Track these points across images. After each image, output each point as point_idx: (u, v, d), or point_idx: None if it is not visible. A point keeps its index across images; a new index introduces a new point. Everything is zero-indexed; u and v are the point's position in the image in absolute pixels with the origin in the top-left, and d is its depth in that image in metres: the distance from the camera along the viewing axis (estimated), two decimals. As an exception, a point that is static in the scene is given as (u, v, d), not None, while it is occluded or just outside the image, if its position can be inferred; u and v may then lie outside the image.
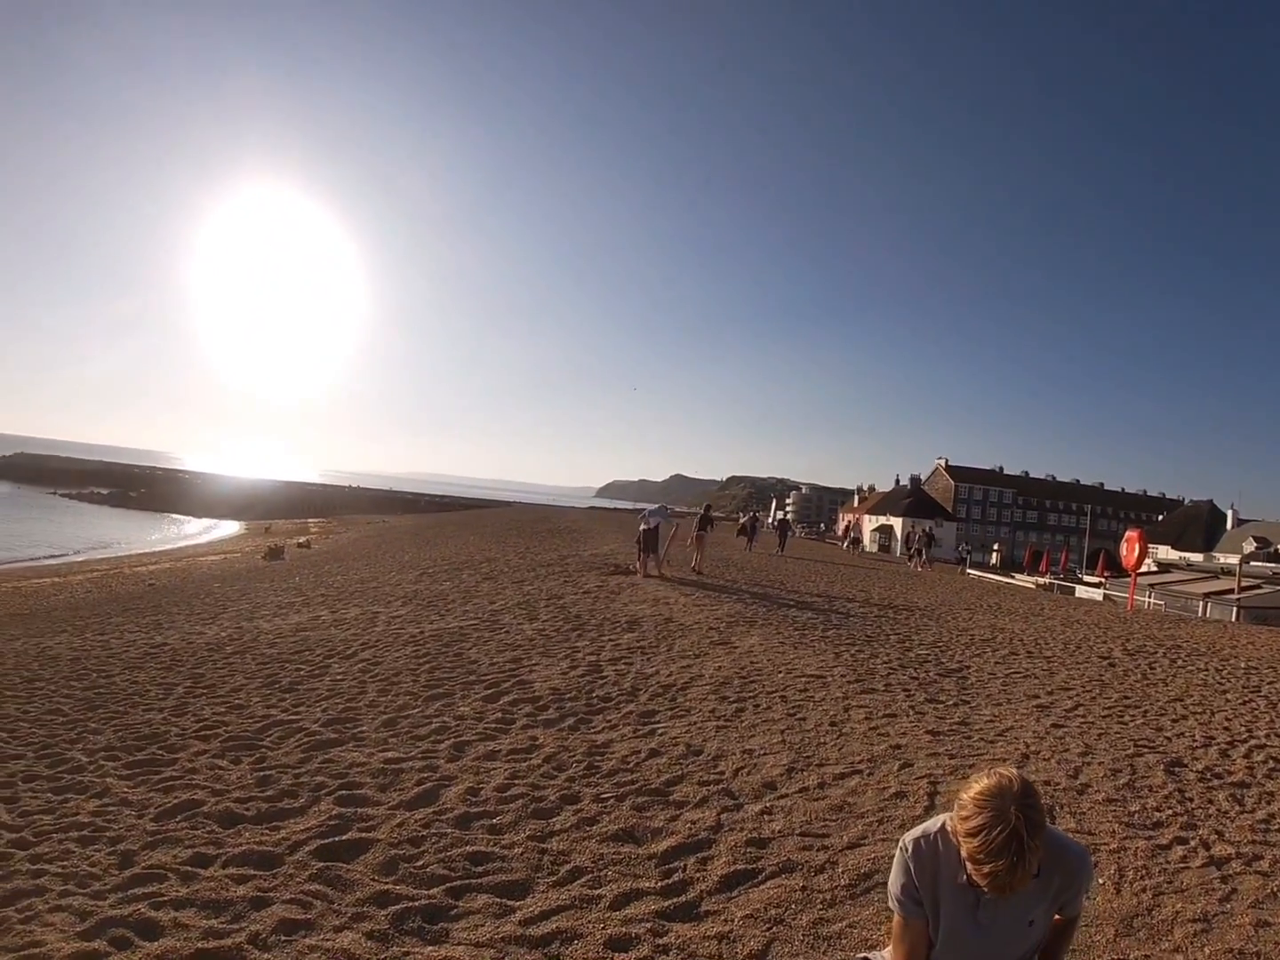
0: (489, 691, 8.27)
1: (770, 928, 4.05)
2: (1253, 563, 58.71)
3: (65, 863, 4.75)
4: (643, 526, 19.45)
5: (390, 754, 6.41)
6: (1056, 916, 2.85)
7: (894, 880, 2.80)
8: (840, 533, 64.99)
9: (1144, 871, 4.96)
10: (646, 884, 4.45)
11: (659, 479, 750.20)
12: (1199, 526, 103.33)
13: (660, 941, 3.90)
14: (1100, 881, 4.75)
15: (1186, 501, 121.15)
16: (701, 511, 23.48)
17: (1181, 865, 5.11)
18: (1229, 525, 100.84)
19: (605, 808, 5.44)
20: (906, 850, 2.76)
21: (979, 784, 2.52)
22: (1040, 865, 2.57)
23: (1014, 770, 2.56)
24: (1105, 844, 5.32)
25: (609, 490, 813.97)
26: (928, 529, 44.76)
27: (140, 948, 3.87)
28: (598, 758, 6.43)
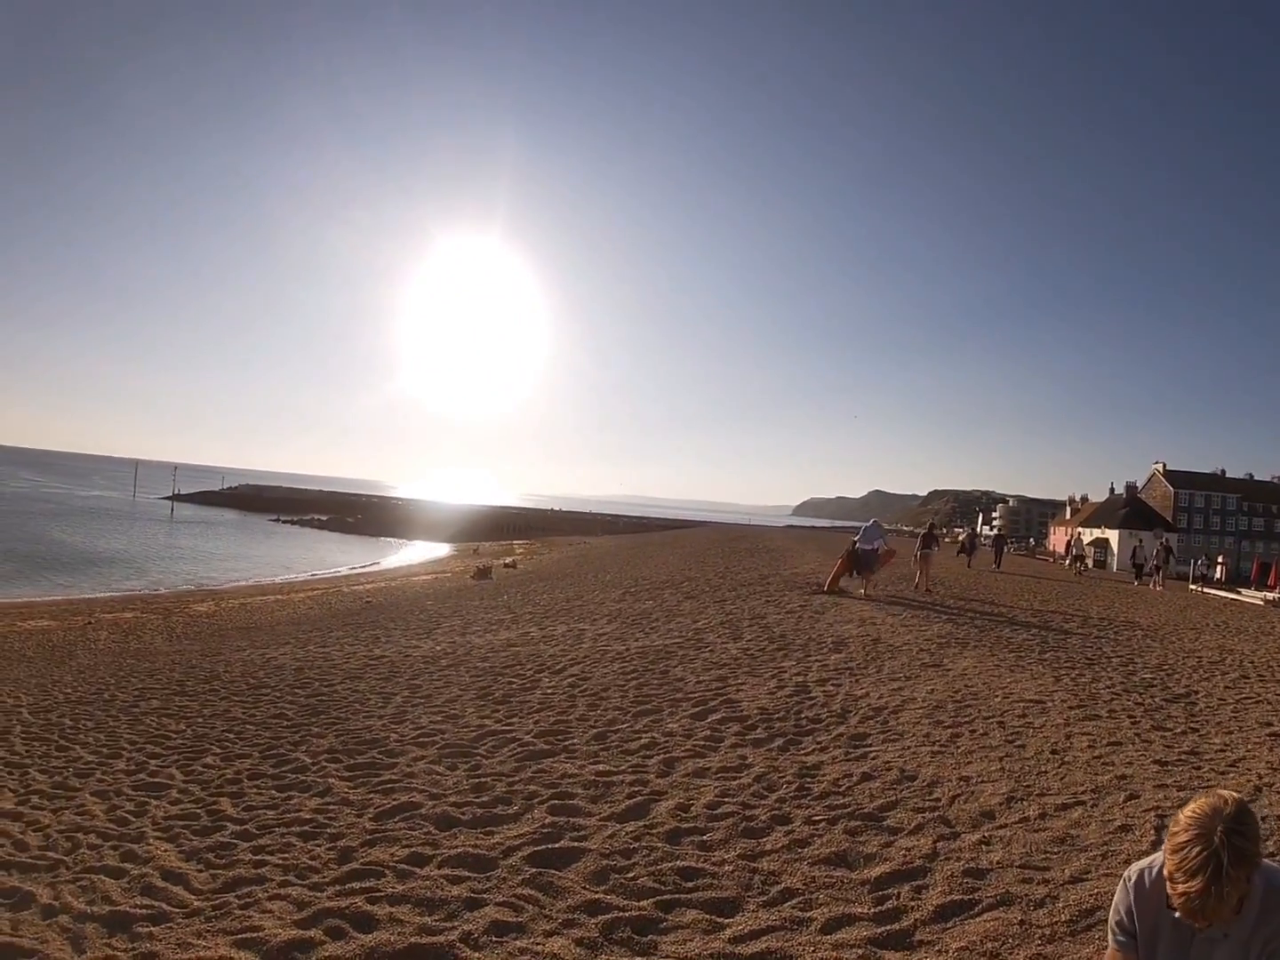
0: (696, 709, 8.28)
1: (987, 960, 3.88)
2: None
3: (286, 855, 5.03)
4: (858, 546, 18.98)
5: (601, 767, 6.50)
6: None
7: (1115, 908, 2.72)
8: (1062, 549, 61.39)
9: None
10: (859, 909, 4.33)
11: (857, 495, 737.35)
12: None
13: None
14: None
15: None
16: (925, 530, 22.98)
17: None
18: None
19: (817, 830, 5.34)
20: (1129, 881, 2.67)
21: (1195, 803, 2.42)
22: (1253, 905, 2.43)
23: (1235, 795, 2.43)
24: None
25: (805, 508, 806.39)
26: (1165, 541, 42.13)
27: (355, 939, 4.04)
28: (808, 779, 6.33)
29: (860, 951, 3.92)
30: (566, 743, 7.17)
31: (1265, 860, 2.51)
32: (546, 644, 11.93)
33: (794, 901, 4.41)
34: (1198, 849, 2.29)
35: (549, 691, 9.00)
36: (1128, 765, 6.95)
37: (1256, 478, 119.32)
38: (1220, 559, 45.06)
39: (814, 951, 3.91)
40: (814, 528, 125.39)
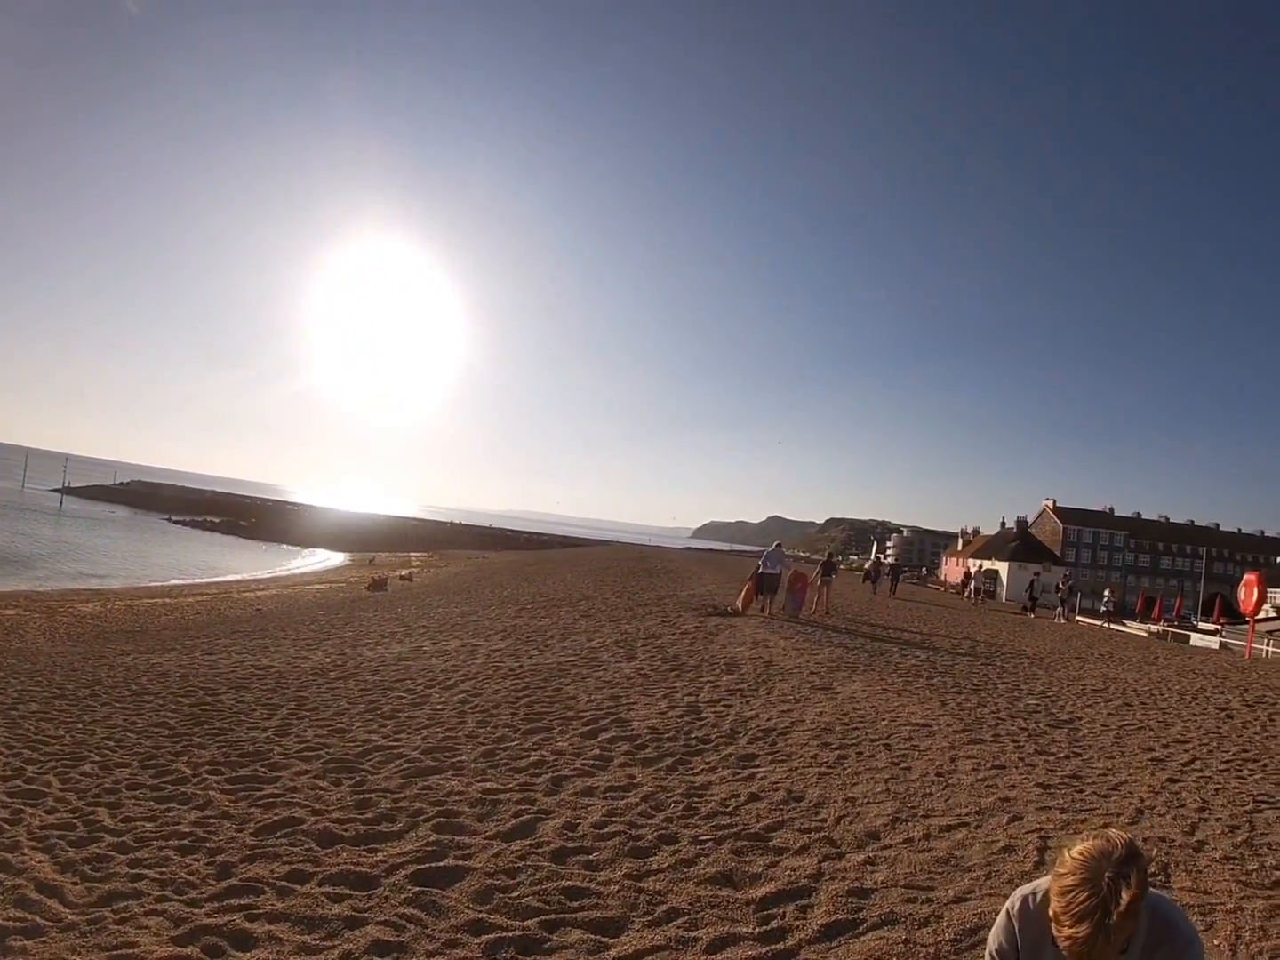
0: (587, 728, 8.25)
1: (871, 980, 3.89)
2: None
3: (164, 869, 4.86)
4: (763, 569, 20.14)
5: (488, 784, 6.42)
6: None
7: (993, 937, 2.69)
8: (955, 578, 62.56)
9: (1261, 933, 4.66)
10: (744, 929, 4.33)
11: (756, 520, 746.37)
12: None
13: None
14: (1215, 943, 4.48)
15: None
16: (825, 558, 24.80)
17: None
18: None
19: (704, 849, 5.34)
20: (1013, 909, 2.65)
21: (1084, 843, 2.37)
22: (1140, 941, 2.42)
23: (1126, 837, 2.39)
24: (1221, 904, 5.02)
25: (705, 531, 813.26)
26: (1067, 575, 43.71)
27: (232, 957, 3.94)
28: (696, 799, 6.32)
29: None
30: (454, 759, 7.07)
31: (1152, 891, 2.52)
32: (439, 659, 11.79)
33: (679, 921, 4.39)
34: (1084, 894, 2.26)
35: (439, 707, 8.88)
36: (1011, 788, 7.10)
37: (1144, 516, 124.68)
38: (1108, 592, 46.67)
39: None
40: (713, 550, 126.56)
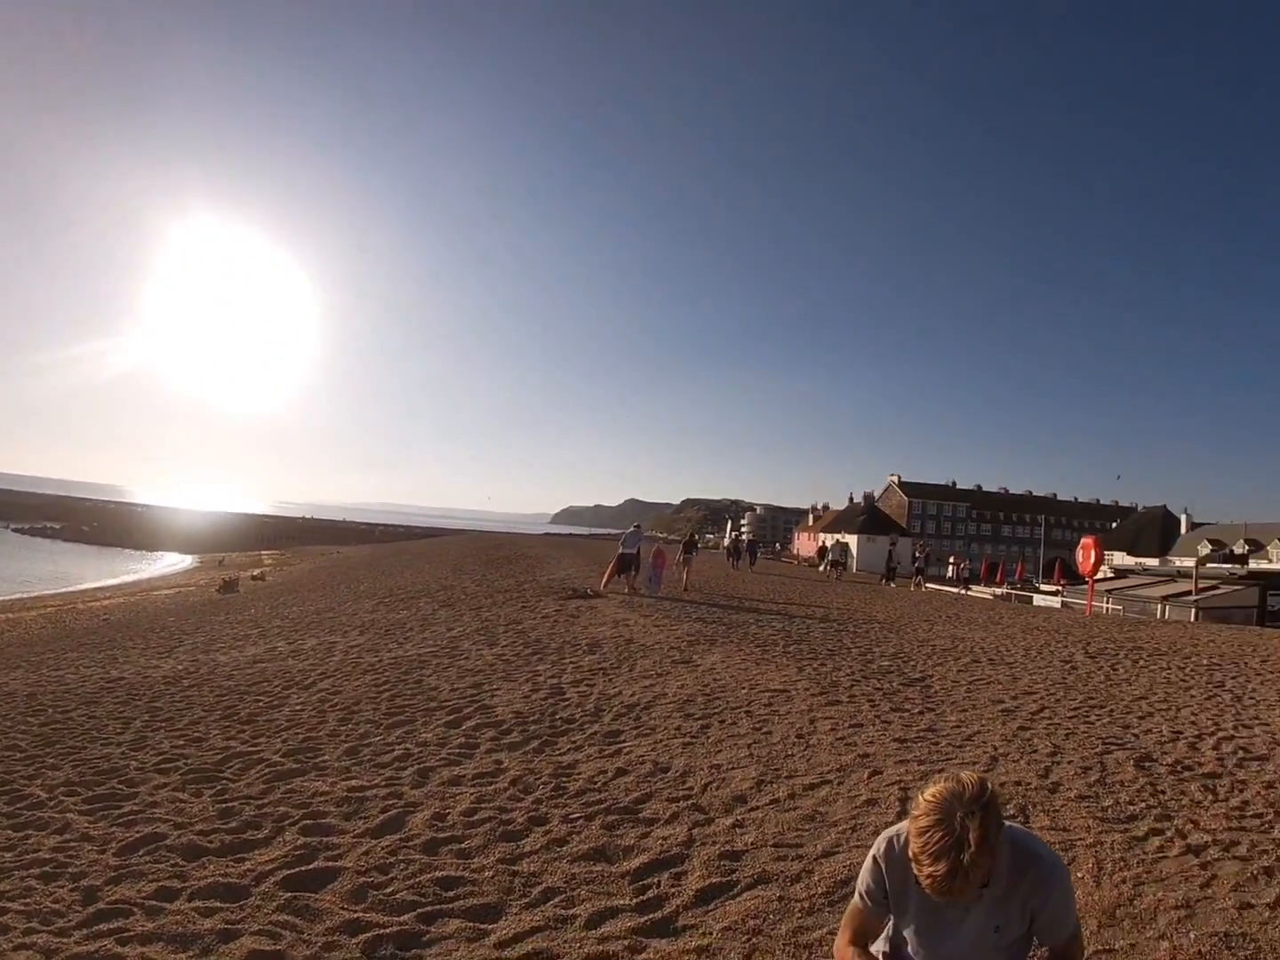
0: (451, 717, 8.19)
1: (750, 939, 4.01)
2: (1209, 565, 60.17)
3: (28, 900, 4.63)
4: (622, 550, 21.03)
5: (354, 782, 6.31)
6: (1046, 948, 2.83)
7: (861, 879, 2.82)
8: (807, 552, 64.12)
9: (1122, 863, 5.00)
10: (621, 901, 4.40)
11: (614, 503, 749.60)
12: (1154, 532, 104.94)
13: (639, 958, 3.85)
14: (1079, 875, 4.78)
15: (1140, 508, 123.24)
16: (686, 538, 26.23)
17: (1159, 855, 5.16)
18: (1183, 530, 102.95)
19: (575, 828, 5.39)
20: (878, 852, 2.76)
21: (936, 785, 2.50)
22: (1003, 874, 2.58)
23: (977, 777, 2.53)
24: (1081, 839, 5.36)
25: (564, 516, 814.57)
26: (923, 545, 45.39)
27: (107, 984, 3.78)
28: (564, 779, 6.37)
29: (626, 942, 3.98)
30: (317, 760, 6.92)
31: (1009, 824, 2.67)
32: (295, 659, 11.51)
33: (556, 900, 4.42)
34: (940, 834, 2.38)
35: (298, 708, 8.67)
36: (869, 744, 7.39)
37: (985, 489, 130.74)
38: (953, 560, 48.79)
39: (580, 948, 3.93)
40: (572, 535, 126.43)
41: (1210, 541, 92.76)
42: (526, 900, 4.43)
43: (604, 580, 21.29)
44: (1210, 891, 4.66)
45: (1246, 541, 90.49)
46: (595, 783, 6.27)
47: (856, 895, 2.84)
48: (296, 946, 4.00)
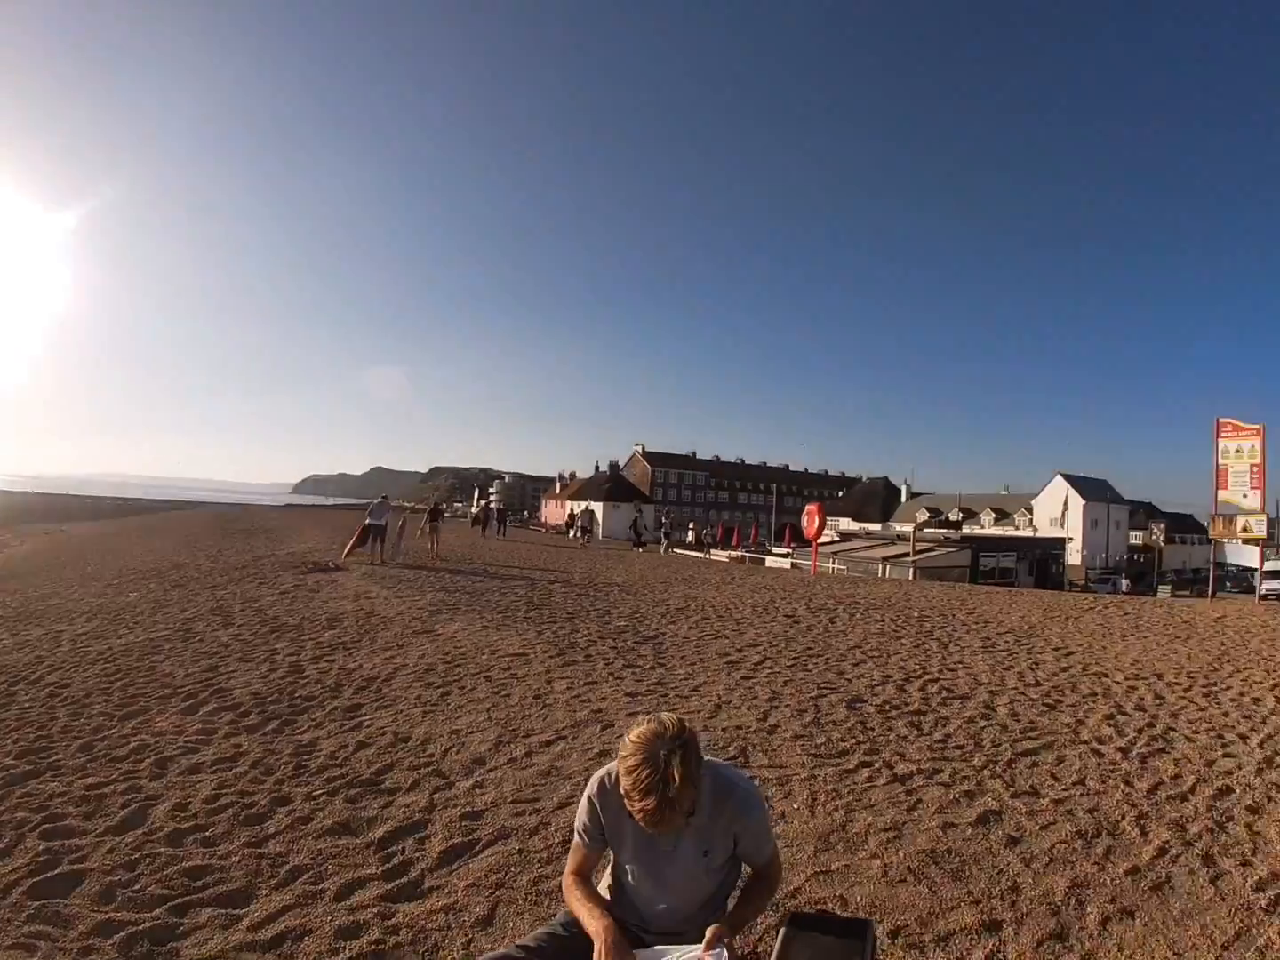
0: (187, 703, 7.95)
1: (493, 892, 4.23)
2: (925, 529, 65.87)
3: None
4: (369, 521, 21.13)
5: (90, 780, 6.04)
6: (750, 869, 3.20)
7: (578, 818, 3.10)
8: (555, 520, 64.76)
9: (834, 794, 5.61)
10: (368, 871, 4.50)
11: (359, 472, 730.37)
12: (877, 500, 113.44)
13: (389, 923, 3.98)
14: (795, 806, 5.33)
15: (865, 479, 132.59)
16: (431, 506, 26.41)
17: (869, 785, 5.82)
18: (904, 498, 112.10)
19: (319, 804, 5.43)
20: (593, 791, 3.04)
21: (640, 727, 2.80)
22: (706, 803, 2.90)
23: (676, 718, 2.83)
24: (796, 774, 5.96)
25: (306, 486, 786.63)
26: (668, 512, 46.92)
27: None
28: (305, 757, 6.37)
29: (375, 909, 4.10)
30: (51, 759, 6.53)
31: (710, 759, 3.02)
32: (19, 651, 10.77)
33: (305, 877, 4.47)
34: (646, 771, 2.67)
35: (26, 705, 8.15)
36: (602, 700, 7.84)
37: (723, 459, 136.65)
38: (692, 525, 50.81)
39: (331, 920, 4.01)
40: (316, 506, 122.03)
41: (928, 509, 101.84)
42: (275, 880, 4.45)
43: (345, 552, 21.32)
44: (916, 814, 5.32)
45: (960, 509, 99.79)
46: (336, 758, 6.31)
47: (576, 834, 3.11)
48: (54, 956, 3.85)
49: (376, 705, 7.77)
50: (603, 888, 3.24)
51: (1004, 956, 3.77)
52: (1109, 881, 4.53)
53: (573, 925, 3.08)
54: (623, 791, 2.77)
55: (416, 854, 4.70)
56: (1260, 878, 4.62)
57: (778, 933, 3.04)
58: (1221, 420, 24.54)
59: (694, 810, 2.82)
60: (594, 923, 2.91)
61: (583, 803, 3.09)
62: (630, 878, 3.10)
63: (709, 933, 2.84)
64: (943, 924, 4.00)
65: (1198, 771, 6.50)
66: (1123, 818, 5.45)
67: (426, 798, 5.48)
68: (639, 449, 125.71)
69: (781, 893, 4.15)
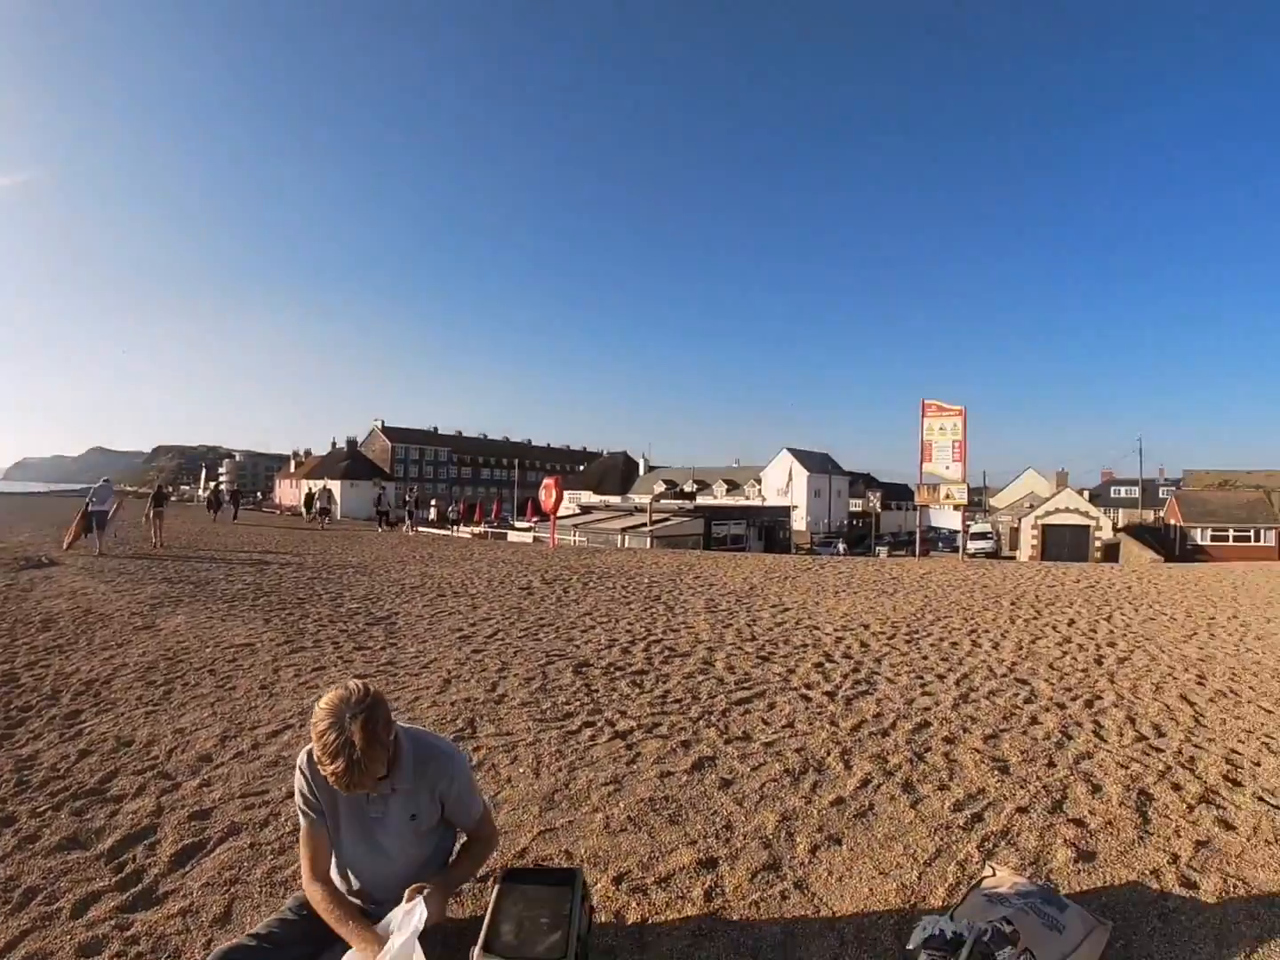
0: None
1: (229, 889, 4.20)
2: (662, 500, 68.29)
3: None
4: (91, 508, 20.02)
5: None
6: (463, 831, 3.39)
7: (296, 791, 3.20)
8: (301, 501, 62.11)
9: (558, 755, 5.89)
10: (101, 884, 4.35)
11: (76, 454, 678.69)
12: (616, 473, 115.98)
13: (129, 934, 3.88)
14: (521, 770, 5.56)
15: (605, 453, 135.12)
16: (155, 490, 24.56)
17: (590, 743, 6.15)
18: (642, 471, 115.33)
19: (44, 821, 5.16)
20: (301, 763, 3.16)
21: (328, 695, 2.95)
22: (406, 762, 3.09)
23: (362, 683, 3.00)
24: (523, 739, 6.21)
25: (19, 471, 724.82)
26: (412, 489, 46.17)
27: None
28: (26, 772, 5.99)
29: (113, 922, 3.98)
30: None
31: (404, 726, 3.20)
32: None
33: (39, 899, 4.25)
34: (334, 735, 2.81)
35: None
36: (331, 685, 7.80)
37: (465, 434, 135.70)
38: (434, 502, 50.39)
39: (70, 939, 3.87)
40: (30, 494, 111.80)
41: (665, 481, 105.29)
42: (10, 906, 4.21)
43: (66, 542, 20.19)
44: (635, 767, 5.67)
45: (695, 481, 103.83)
46: (59, 770, 5.99)
47: (299, 813, 3.21)
48: None
49: (97, 710, 7.40)
50: (335, 874, 3.34)
51: (721, 890, 4.08)
52: (816, 813, 5.00)
53: (303, 908, 3.19)
54: (316, 758, 2.90)
55: (148, 860, 4.59)
56: (958, 799, 5.23)
57: (493, 889, 3.25)
58: (927, 401, 27.52)
59: (388, 773, 2.99)
60: (343, 927, 3.03)
61: (296, 778, 3.20)
62: (348, 850, 3.22)
63: (408, 891, 3.03)
64: (663, 866, 4.30)
65: (898, 709, 7.28)
66: (828, 754, 6.03)
67: (154, 801, 5.34)
68: (378, 424, 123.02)
69: (511, 853, 4.37)
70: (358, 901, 3.27)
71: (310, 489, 55.97)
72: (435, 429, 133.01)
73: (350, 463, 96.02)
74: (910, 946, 3.45)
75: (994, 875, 3.93)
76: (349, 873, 3.28)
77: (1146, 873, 4.34)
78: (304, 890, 3.23)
